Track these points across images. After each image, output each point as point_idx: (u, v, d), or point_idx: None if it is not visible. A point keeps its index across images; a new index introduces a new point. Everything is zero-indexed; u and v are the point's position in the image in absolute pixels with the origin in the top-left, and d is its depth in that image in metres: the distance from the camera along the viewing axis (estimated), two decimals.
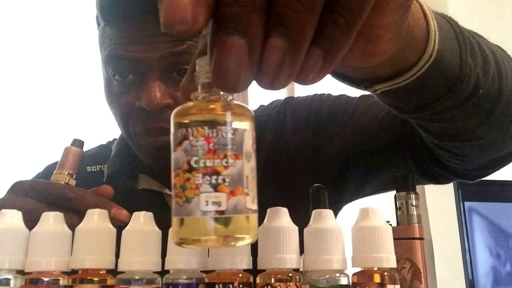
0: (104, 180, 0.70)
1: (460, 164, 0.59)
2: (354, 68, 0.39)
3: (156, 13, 0.54)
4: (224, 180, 0.27)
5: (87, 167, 0.72)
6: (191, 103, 0.29)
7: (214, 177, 0.27)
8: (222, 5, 0.24)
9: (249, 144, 0.28)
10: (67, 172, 0.55)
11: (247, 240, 0.28)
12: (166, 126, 0.59)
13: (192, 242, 0.28)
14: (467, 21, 0.47)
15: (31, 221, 0.39)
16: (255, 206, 0.28)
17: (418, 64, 0.39)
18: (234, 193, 0.27)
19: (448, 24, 0.43)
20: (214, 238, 0.27)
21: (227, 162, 0.27)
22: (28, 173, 0.80)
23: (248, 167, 0.28)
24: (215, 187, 0.27)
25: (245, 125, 0.28)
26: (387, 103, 0.47)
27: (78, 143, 0.57)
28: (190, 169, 0.27)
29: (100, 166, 0.73)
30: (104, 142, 0.82)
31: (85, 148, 0.60)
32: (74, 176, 0.56)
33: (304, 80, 0.26)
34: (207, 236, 0.27)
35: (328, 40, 0.25)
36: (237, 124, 0.28)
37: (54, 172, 0.56)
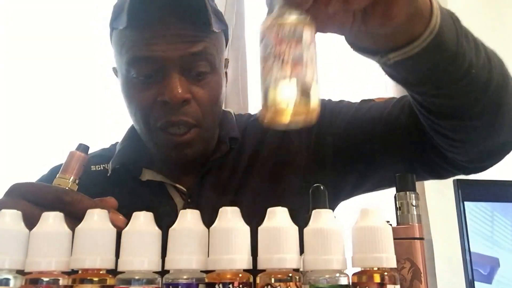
0: (109, 174, 0.72)
1: (457, 153, 0.62)
2: (373, 35, 0.47)
3: (177, 15, 0.60)
4: (288, 61, 0.37)
5: (91, 166, 0.74)
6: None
7: (281, 58, 0.38)
8: None
9: (307, 37, 0.39)
10: (70, 177, 0.55)
11: (311, 116, 0.38)
12: (185, 119, 0.64)
13: (272, 116, 0.38)
14: (467, 21, 0.50)
15: (27, 224, 0.39)
16: (315, 85, 0.38)
17: (424, 34, 0.47)
18: (296, 70, 0.38)
19: (446, 11, 0.50)
20: (287, 110, 0.37)
21: (290, 47, 0.38)
22: (34, 175, 0.80)
23: (308, 54, 0.39)
24: (283, 66, 0.37)
25: (305, 26, 0.40)
26: (397, 77, 0.54)
27: (83, 148, 0.57)
28: (265, 57, 0.39)
29: (104, 165, 0.74)
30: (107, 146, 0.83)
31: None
32: (77, 181, 0.56)
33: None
34: (282, 108, 0.37)
35: None
36: (298, 25, 0.39)
37: (57, 176, 0.56)
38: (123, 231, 0.39)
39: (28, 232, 0.39)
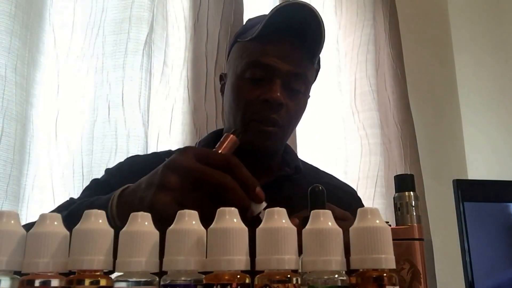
0: None
1: None
2: None
3: (295, 43, 0.81)
4: None
5: (166, 159, 0.87)
6: None
7: None
8: None
9: None
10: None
11: None
12: (277, 119, 0.79)
13: None
14: (467, 21, 0.48)
15: (192, 181, 0.46)
16: None
17: None
18: None
19: None
20: None
21: None
22: None
23: None
24: None
25: None
26: None
27: (237, 133, 0.67)
28: None
29: None
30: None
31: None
32: None
33: None
34: None
35: None
36: None
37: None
38: (121, 232, 0.39)
39: (26, 233, 0.39)
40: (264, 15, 0.81)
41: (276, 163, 0.88)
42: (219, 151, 0.63)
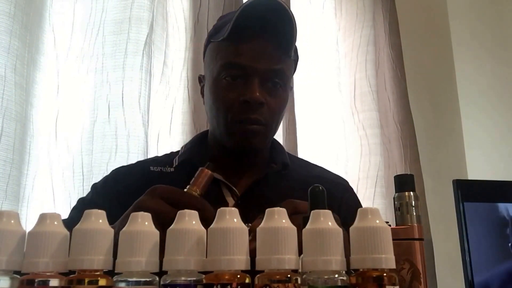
0: (174, 166, 0.85)
1: None
2: None
3: (269, 39, 0.78)
4: None
5: (150, 167, 0.86)
6: None
7: None
8: None
9: None
10: (197, 190, 0.64)
11: None
12: (259, 118, 0.78)
13: None
14: (466, 22, 0.48)
15: (160, 223, 0.43)
16: None
17: None
18: None
19: None
20: None
21: None
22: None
23: None
24: None
25: None
26: None
27: (211, 167, 0.68)
28: None
29: (161, 168, 0.87)
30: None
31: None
32: (202, 195, 0.65)
33: None
34: None
35: None
36: None
37: (187, 188, 0.65)
38: (121, 232, 0.39)
39: (26, 233, 0.39)
40: (234, 12, 0.80)
41: (263, 160, 0.87)
42: (194, 187, 0.64)
